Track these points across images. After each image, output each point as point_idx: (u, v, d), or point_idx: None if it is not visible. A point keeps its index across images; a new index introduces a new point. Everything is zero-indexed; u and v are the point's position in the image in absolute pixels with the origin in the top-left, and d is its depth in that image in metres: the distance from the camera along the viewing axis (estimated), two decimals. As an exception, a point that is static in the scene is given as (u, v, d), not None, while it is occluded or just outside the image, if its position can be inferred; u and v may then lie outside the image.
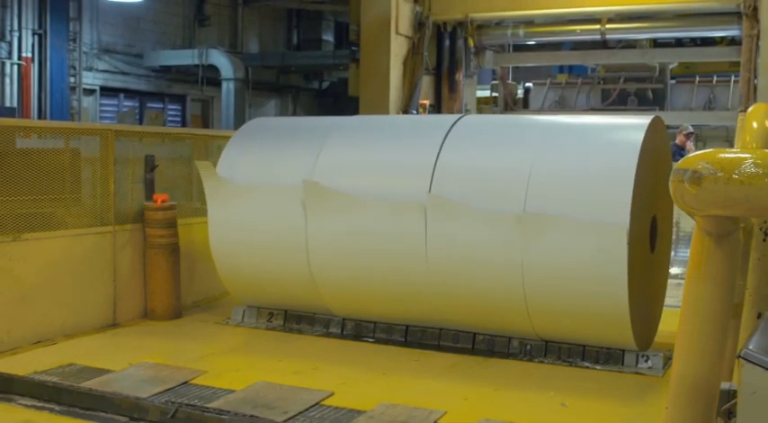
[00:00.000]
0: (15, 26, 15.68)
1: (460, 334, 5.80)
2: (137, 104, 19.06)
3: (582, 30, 12.69)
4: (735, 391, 2.45)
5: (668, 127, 6.49)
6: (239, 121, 18.86)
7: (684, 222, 7.44)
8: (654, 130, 5.48)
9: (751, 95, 10.58)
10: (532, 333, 5.51)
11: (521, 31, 12.93)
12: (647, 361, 5.29)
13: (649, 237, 5.56)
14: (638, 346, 5.29)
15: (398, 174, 5.87)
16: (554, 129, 5.81)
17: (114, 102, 18.64)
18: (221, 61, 18.84)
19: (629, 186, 5.02)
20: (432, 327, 5.90)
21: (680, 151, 11.34)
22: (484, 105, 15.36)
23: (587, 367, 5.33)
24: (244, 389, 4.73)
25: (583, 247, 5.08)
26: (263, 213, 6.17)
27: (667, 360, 5.22)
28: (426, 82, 12.70)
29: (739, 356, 2.26)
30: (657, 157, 5.59)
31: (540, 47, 14.32)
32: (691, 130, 12.58)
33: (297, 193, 5.95)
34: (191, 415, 4.31)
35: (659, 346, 5.54)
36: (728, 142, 13.60)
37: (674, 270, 6.49)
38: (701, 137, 14.38)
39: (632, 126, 5.52)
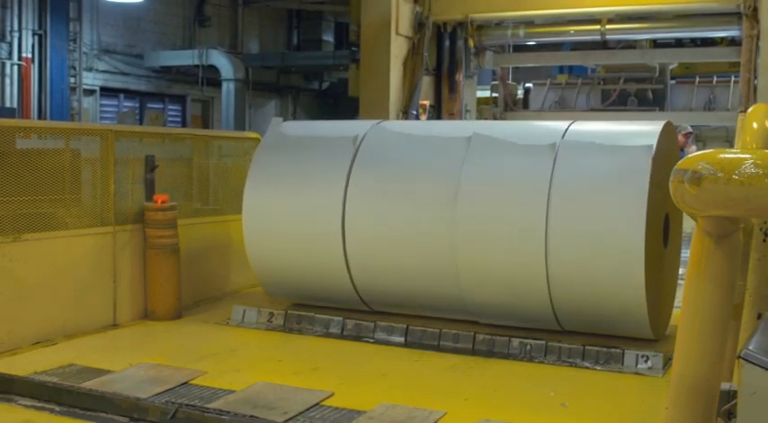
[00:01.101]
0: (15, 26, 15.67)
1: (461, 334, 5.81)
2: (137, 105, 19.06)
3: (582, 30, 12.70)
4: (735, 392, 2.45)
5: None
6: (239, 121, 18.87)
7: (684, 223, 7.45)
8: (666, 133, 5.74)
9: (751, 96, 10.58)
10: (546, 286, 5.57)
11: (521, 32, 12.94)
12: (646, 361, 5.29)
13: (663, 231, 5.77)
14: (650, 322, 5.39)
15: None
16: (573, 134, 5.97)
17: (114, 102, 18.63)
18: (221, 62, 18.83)
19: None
20: (434, 323, 5.91)
21: (680, 151, 11.36)
22: (484, 106, 15.36)
23: (587, 368, 5.33)
24: (244, 389, 4.73)
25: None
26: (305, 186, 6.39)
27: (667, 360, 5.23)
28: (426, 82, 12.70)
29: (739, 357, 2.26)
30: (668, 159, 5.67)
31: (540, 47, 14.32)
32: (689, 129, 12.57)
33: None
34: (191, 415, 4.31)
35: (659, 347, 5.54)
36: (728, 143, 13.61)
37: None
38: (701, 137, 14.40)
39: (647, 131, 5.73)
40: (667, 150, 5.77)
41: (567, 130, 5.87)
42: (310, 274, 6.34)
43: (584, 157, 5.64)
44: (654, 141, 5.51)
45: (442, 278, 5.83)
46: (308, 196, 6.30)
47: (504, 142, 5.98)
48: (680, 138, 12.29)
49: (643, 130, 5.78)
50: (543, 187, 5.50)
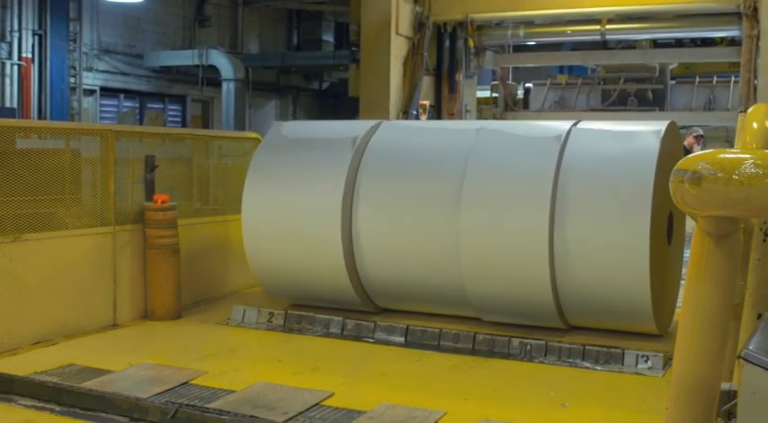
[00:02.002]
0: (15, 26, 15.67)
1: (461, 334, 5.81)
2: (137, 105, 19.06)
3: (582, 30, 12.71)
4: (735, 392, 2.45)
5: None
6: (239, 121, 18.87)
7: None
8: (670, 132, 5.80)
9: (751, 96, 10.60)
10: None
11: (521, 32, 12.95)
12: (646, 361, 5.29)
13: (666, 228, 5.82)
14: (653, 315, 5.42)
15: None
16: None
17: (114, 102, 18.63)
18: (221, 62, 18.83)
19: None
20: (434, 323, 5.91)
21: (687, 154, 11.32)
22: (484, 106, 15.38)
23: (587, 368, 5.34)
24: (244, 389, 4.73)
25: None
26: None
27: (667, 360, 5.23)
28: (426, 82, 12.72)
29: (739, 357, 2.26)
30: (672, 158, 5.71)
31: (540, 47, 14.34)
32: (700, 132, 12.50)
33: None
34: (191, 415, 4.31)
35: (659, 347, 5.54)
36: (728, 143, 13.61)
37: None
38: (701, 137, 14.39)
39: (651, 129, 5.79)
40: (671, 150, 5.78)
41: (573, 126, 5.92)
42: (311, 273, 6.34)
43: (590, 149, 5.68)
44: (662, 128, 5.56)
45: (446, 272, 5.84)
46: (308, 196, 6.29)
47: (509, 135, 6.01)
48: (689, 139, 12.23)
49: (649, 126, 5.83)
50: (548, 178, 5.53)
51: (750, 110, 3.32)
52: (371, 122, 6.72)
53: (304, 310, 6.46)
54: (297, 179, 6.37)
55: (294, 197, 6.34)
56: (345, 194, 6.12)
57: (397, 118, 11.96)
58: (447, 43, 12.90)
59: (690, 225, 5.66)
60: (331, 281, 6.27)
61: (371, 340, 6.02)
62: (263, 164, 6.57)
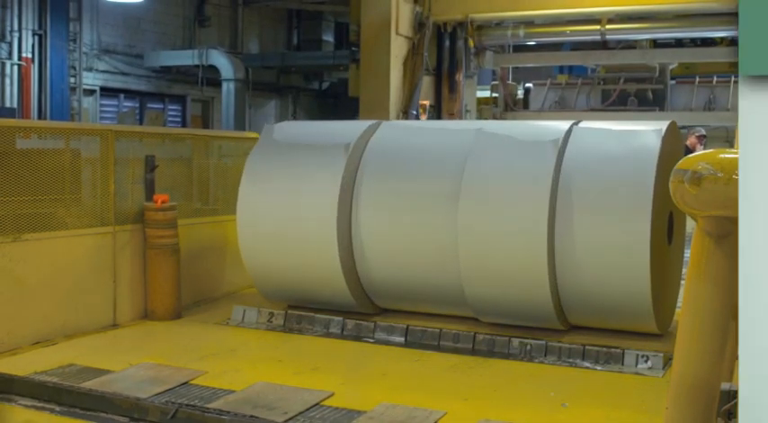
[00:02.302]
0: (15, 26, 15.68)
1: (461, 334, 5.81)
2: (137, 105, 19.07)
3: (582, 30, 12.72)
4: (735, 392, 2.45)
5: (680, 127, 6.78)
6: (239, 121, 18.88)
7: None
8: (671, 131, 5.80)
9: (751, 96, 10.57)
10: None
11: (521, 32, 12.96)
12: (646, 361, 5.29)
13: (667, 228, 5.83)
14: (654, 313, 5.44)
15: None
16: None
17: (114, 102, 18.64)
18: (221, 62, 18.85)
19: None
20: (434, 323, 5.91)
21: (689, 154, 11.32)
22: (484, 106, 15.39)
23: (587, 368, 5.34)
24: (244, 389, 4.73)
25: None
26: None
27: (667, 360, 5.23)
28: (426, 82, 12.72)
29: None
30: (672, 158, 5.71)
31: (540, 47, 14.36)
32: (703, 132, 12.49)
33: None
34: (191, 415, 4.31)
35: (659, 347, 5.54)
36: (728, 142, 13.62)
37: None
38: (701, 137, 14.41)
39: (652, 129, 5.80)
40: (672, 150, 5.77)
41: (573, 126, 5.92)
42: (308, 275, 6.32)
43: (590, 149, 5.69)
44: (663, 127, 5.56)
45: (446, 272, 5.83)
46: (304, 196, 6.27)
47: (509, 135, 6.01)
48: (692, 139, 12.23)
49: (650, 126, 5.83)
50: (548, 178, 5.52)
51: (750, 110, 3.31)
52: (370, 122, 6.71)
53: (304, 310, 6.45)
54: (293, 180, 6.35)
55: (290, 198, 6.31)
56: (343, 194, 6.11)
57: (397, 118, 11.96)
58: (447, 43, 12.90)
59: (690, 225, 5.66)
60: (328, 283, 6.25)
61: (371, 340, 6.02)
62: (259, 164, 6.55)
